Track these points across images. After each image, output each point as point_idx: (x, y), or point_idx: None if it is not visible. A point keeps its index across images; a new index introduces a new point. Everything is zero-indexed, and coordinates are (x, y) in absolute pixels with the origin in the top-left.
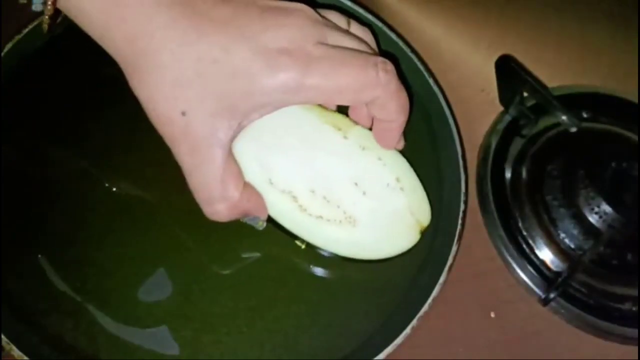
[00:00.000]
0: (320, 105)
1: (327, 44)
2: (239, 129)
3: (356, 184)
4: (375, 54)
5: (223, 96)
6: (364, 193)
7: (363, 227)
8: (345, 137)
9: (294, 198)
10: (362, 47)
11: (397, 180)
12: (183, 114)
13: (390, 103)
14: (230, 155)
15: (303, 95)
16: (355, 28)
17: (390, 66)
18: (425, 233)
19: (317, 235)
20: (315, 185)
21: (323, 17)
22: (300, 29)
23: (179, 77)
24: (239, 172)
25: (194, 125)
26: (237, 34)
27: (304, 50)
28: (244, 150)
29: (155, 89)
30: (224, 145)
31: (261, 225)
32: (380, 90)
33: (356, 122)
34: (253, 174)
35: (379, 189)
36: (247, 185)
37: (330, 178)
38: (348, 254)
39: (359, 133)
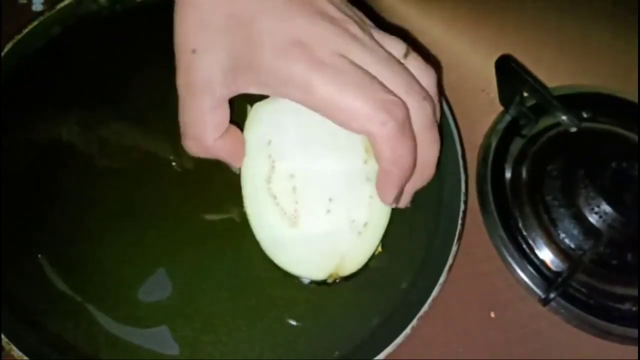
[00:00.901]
0: None
1: (346, 58)
2: (235, 93)
3: (330, 199)
4: (422, 95)
5: (232, 57)
6: (328, 211)
7: (296, 232)
8: (365, 162)
9: (272, 168)
10: (395, 82)
11: (364, 225)
12: (193, 51)
13: (383, 147)
14: (219, 106)
15: (295, 93)
16: (413, 62)
17: (401, 112)
18: (334, 282)
19: (257, 210)
20: (298, 173)
21: (370, 35)
22: (328, 34)
23: (205, 20)
24: (221, 124)
25: (197, 65)
26: (271, 9)
27: (316, 53)
28: (266, 119)
29: (183, 20)
30: (214, 97)
31: (234, 169)
32: (374, 128)
33: None
34: (259, 135)
35: (343, 217)
36: (228, 136)
37: (317, 178)
38: (263, 244)
39: (377, 165)
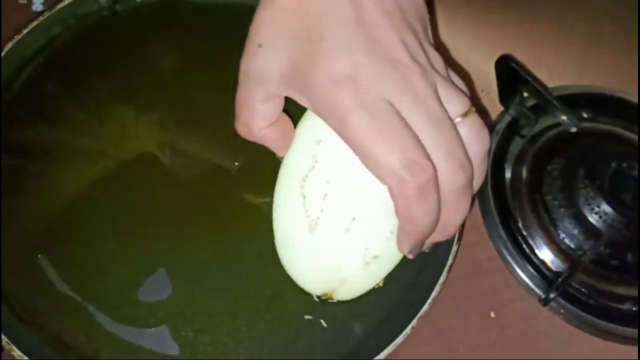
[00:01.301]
0: None
1: (393, 107)
2: (286, 95)
3: (354, 219)
4: (461, 163)
5: (291, 65)
6: (347, 230)
7: (310, 239)
8: None
9: (312, 167)
10: (437, 143)
11: (374, 257)
12: (259, 45)
13: (398, 204)
14: (270, 100)
15: (333, 121)
16: (468, 125)
17: (423, 176)
18: (325, 300)
19: (284, 203)
20: (334, 182)
21: (433, 86)
22: (384, 78)
23: (280, 23)
24: (271, 115)
25: (259, 58)
26: (339, 36)
27: (364, 93)
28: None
29: (261, 14)
30: (267, 92)
31: (278, 156)
32: (392, 183)
33: None
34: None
35: (358, 242)
36: (277, 127)
37: (349, 193)
38: (276, 237)
39: None
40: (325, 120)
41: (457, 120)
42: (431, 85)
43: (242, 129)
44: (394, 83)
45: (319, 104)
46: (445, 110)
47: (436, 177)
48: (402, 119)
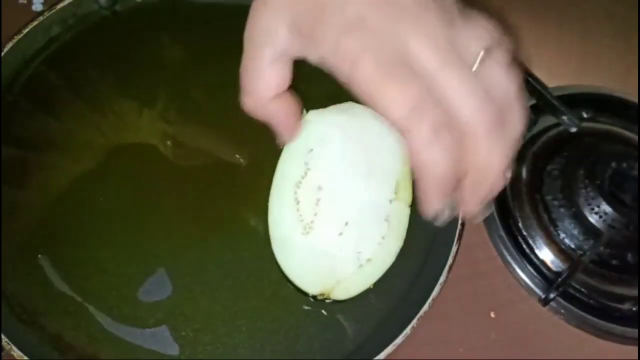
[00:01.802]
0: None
1: (403, 51)
2: (294, 53)
3: (346, 223)
4: (484, 99)
5: (300, 15)
6: (340, 234)
7: (305, 241)
8: (390, 202)
9: (305, 174)
10: (453, 83)
11: (368, 260)
12: (265, 4)
13: (412, 147)
14: (279, 61)
15: (343, 65)
16: (493, 65)
17: (432, 118)
18: (323, 300)
19: (278, 208)
20: (326, 188)
21: (449, 23)
22: (390, 25)
23: None
24: (279, 83)
25: (265, 15)
26: None
27: (374, 38)
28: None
29: None
30: (275, 49)
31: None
32: (403, 126)
33: (411, 204)
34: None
35: (351, 245)
36: (285, 101)
37: (341, 199)
38: (273, 240)
39: (400, 209)
40: (335, 68)
41: (480, 56)
42: (443, 24)
43: (249, 101)
44: (403, 26)
45: (329, 51)
46: (459, 50)
47: (448, 118)
48: (410, 62)
